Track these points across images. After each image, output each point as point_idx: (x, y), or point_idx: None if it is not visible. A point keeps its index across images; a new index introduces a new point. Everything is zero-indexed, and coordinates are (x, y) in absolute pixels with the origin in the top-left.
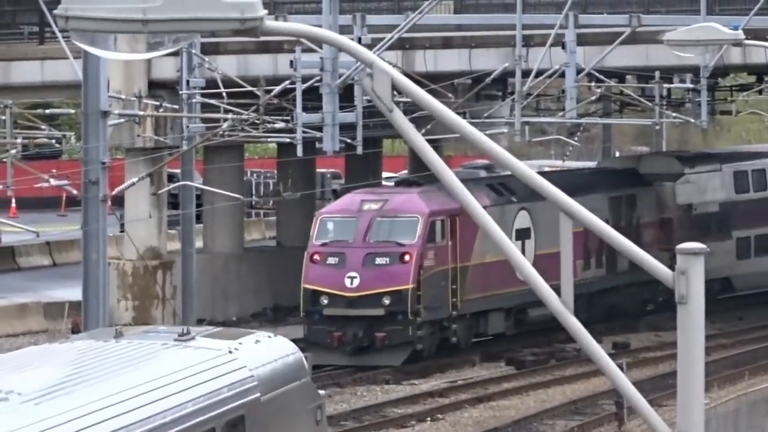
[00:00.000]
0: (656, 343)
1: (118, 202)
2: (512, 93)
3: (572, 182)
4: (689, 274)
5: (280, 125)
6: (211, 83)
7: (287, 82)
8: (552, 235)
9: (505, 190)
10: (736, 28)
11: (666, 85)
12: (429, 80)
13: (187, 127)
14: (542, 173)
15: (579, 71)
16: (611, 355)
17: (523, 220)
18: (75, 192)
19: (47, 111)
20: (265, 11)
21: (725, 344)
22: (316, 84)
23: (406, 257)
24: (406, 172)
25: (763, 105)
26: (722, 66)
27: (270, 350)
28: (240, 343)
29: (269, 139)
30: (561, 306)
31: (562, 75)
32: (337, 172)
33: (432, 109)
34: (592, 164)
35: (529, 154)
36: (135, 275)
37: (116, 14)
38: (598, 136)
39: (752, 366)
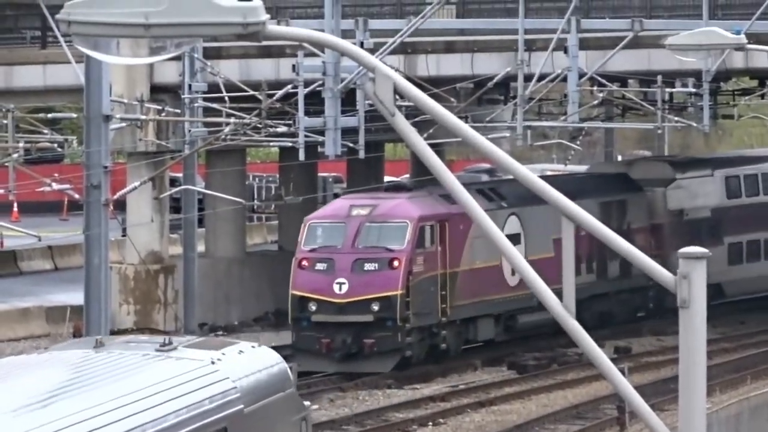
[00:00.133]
0: (658, 348)
1: (120, 206)
2: (514, 97)
3: (562, 187)
4: (691, 278)
5: (282, 129)
6: (213, 87)
7: (289, 86)
8: (542, 241)
9: (495, 195)
10: (738, 33)
11: (668, 90)
12: (431, 84)
13: (189, 131)
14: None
15: (581, 75)
16: (613, 360)
17: (512, 225)
18: (77, 196)
19: (49, 115)
20: (268, 16)
21: (727, 348)
22: (318, 88)
23: (395, 263)
24: (408, 176)
25: (765, 109)
26: (724, 70)
27: (254, 361)
28: (223, 354)
29: (271, 143)
30: (563, 310)
31: (565, 79)
32: (339, 176)
33: (434, 114)
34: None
35: (531, 158)
36: (137, 279)
37: (118, 19)
38: (600, 140)
39: (754, 370)
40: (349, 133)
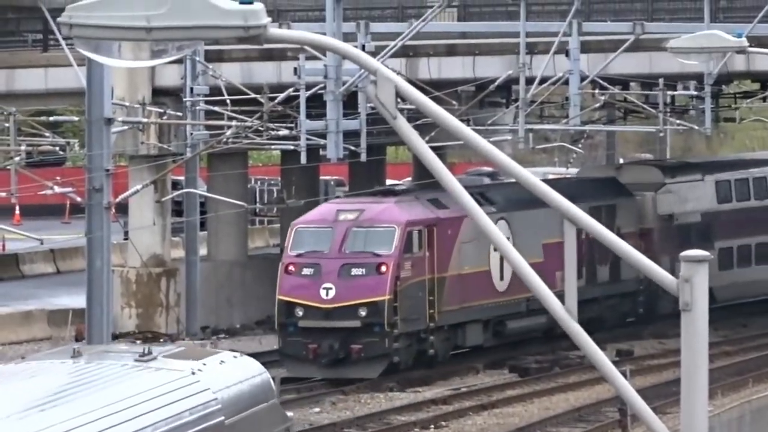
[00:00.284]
0: (660, 351)
1: (122, 209)
2: (516, 100)
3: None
4: (693, 281)
5: (283, 132)
6: (214, 90)
7: (291, 89)
8: (531, 246)
9: (483, 199)
10: (739, 36)
11: (670, 93)
12: (433, 87)
13: (191, 134)
14: (511, 183)
15: (583, 78)
16: (615, 363)
17: (501, 230)
18: (79, 199)
19: (51, 118)
20: (269, 19)
21: (729, 351)
22: (319, 91)
23: (383, 268)
24: (410, 179)
25: (766, 112)
26: (726, 73)
27: (235, 371)
28: (204, 364)
29: (273, 147)
30: (565, 314)
31: (566, 82)
32: (340, 180)
33: (436, 117)
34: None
35: (533, 161)
36: (139, 282)
37: (120, 22)
38: (602, 143)
39: (756, 373)
40: (350, 136)
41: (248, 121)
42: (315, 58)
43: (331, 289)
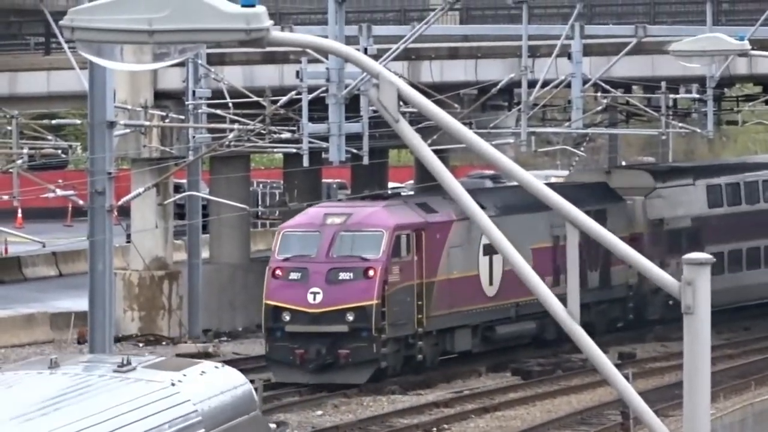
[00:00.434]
0: (662, 354)
1: (125, 212)
2: (518, 103)
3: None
4: (696, 284)
5: (286, 135)
6: (217, 94)
7: (293, 92)
8: (520, 251)
9: None
10: (742, 39)
11: (672, 96)
12: (435, 91)
13: (193, 137)
14: (499, 187)
15: (585, 81)
16: (617, 366)
17: None
18: (81, 202)
19: (53, 121)
20: (271, 22)
21: (731, 354)
22: (322, 94)
23: (371, 272)
24: (412, 182)
25: None
26: (728, 76)
27: (216, 382)
28: (184, 375)
29: (275, 150)
30: (567, 316)
31: (568, 85)
32: (343, 183)
33: (438, 120)
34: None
35: (536, 164)
36: (141, 285)
37: (122, 25)
38: (605, 146)
39: (758, 376)
40: (353, 139)
41: (250, 124)
42: (317, 61)
43: (318, 293)
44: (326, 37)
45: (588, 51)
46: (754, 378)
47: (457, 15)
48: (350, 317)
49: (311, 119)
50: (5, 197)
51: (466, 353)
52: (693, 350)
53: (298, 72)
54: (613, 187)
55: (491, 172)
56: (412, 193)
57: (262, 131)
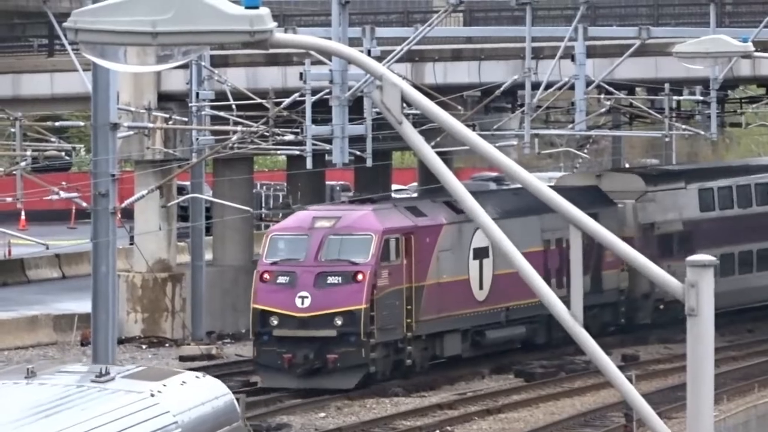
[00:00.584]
0: (665, 356)
1: (128, 214)
2: (522, 105)
3: (530, 200)
4: (699, 286)
5: (289, 137)
6: (220, 95)
7: (297, 94)
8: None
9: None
10: (745, 41)
11: (675, 98)
12: (438, 92)
13: (197, 139)
14: (489, 191)
15: (588, 83)
16: (620, 368)
17: (481, 238)
18: (84, 204)
19: (57, 123)
20: (275, 24)
21: (735, 356)
22: (325, 96)
23: (359, 276)
24: (415, 184)
25: None
26: (732, 78)
27: (197, 392)
28: (164, 385)
29: (279, 152)
30: (570, 318)
31: (572, 87)
32: (346, 185)
33: (441, 122)
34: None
35: (539, 166)
36: (144, 288)
37: (126, 27)
38: (608, 148)
39: (762, 378)
40: (356, 141)
41: (254, 126)
42: (321, 62)
43: (306, 297)
44: (329, 38)
45: (591, 53)
46: (758, 380)
47: (460, 17)
48: (339, 321)
49: (314, 121)
50: (9, 199)
51: (456, 357)
52: (696, 352)
53: (301, 74)
54: (604, 191)
55: (494, 173)
56: (402, 196)
57: (266, 133)
